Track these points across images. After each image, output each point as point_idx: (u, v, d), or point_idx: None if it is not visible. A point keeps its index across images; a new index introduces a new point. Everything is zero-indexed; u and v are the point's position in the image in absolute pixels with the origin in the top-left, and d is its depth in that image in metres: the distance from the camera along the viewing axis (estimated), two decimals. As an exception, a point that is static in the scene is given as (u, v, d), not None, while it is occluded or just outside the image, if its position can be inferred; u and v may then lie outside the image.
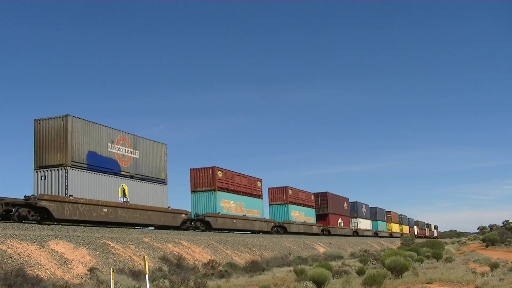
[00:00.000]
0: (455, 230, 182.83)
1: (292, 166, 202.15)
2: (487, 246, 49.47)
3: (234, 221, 36.22)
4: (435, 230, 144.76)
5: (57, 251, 17.68)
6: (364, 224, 70.37)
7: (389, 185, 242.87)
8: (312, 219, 52.01)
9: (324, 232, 54.71)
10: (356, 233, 66.17)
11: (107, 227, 24.40)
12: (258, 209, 41.20)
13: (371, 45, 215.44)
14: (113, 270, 13.32)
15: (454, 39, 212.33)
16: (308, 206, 51.42)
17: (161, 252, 22.96)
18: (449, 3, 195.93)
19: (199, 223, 32.42)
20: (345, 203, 62.97)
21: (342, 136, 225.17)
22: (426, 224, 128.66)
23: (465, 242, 73.50)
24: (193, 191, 34.92)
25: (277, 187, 47.22)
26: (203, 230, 32.29)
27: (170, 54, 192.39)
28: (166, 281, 16.54)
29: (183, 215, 30.87)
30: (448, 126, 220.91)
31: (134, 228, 26.85)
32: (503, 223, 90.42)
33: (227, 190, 36.27)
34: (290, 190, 47.28)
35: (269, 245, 35.38)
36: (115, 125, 23.55)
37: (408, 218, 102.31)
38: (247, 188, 39.65)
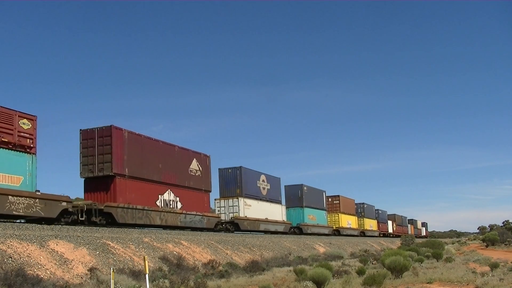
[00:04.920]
0: (455, 230, 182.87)
1: (291, 166, 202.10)
2: (487, 246, 49.47)
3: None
4: (423, 228, 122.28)
5: (57, 251, 17.67)
6: (266, 211, 41.55)
7: (388, 185, 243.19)
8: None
9: (99, 220, 23.50)
10: (235, 225, 36.85)
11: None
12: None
13: (371, 45, 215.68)
14: (113, 270, 13.32)
15: (454, 39, 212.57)
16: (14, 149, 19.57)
17: (161, 252, 22.95)
18: (449, 3, 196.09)
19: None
20: (196, 165, 32.01)
21: (341, 136, 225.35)
22: (409, 220, 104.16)
23: (465, 242, 73.49)
24: None
25: None
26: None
27: (169, 54, 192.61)
28: (166, 281, 16.53)
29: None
30: (448, 126, 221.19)
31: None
32: (503, 223, 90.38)
33: None
34: None
35: (269, 245, 35.39)
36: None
37: (378, 210, 78.19)
38: None
